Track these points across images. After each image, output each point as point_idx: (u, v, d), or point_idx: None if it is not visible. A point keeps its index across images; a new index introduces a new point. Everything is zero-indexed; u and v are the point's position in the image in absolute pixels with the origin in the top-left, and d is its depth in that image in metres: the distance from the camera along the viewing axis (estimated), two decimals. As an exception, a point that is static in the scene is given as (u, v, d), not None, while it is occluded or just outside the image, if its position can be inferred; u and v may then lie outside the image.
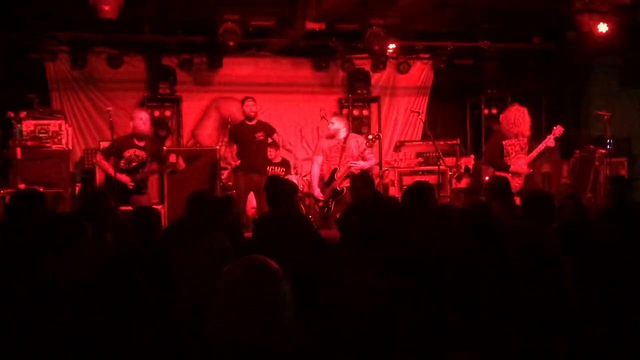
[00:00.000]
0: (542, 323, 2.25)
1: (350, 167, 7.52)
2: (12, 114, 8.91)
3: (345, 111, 11.34)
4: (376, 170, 10.38)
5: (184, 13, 9.79)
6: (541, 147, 7.36)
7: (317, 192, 7.75)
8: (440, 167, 8.97)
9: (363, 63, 11.79)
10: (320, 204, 7.74)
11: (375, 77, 12.01)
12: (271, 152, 9.59)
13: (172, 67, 10.79)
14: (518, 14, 9.98)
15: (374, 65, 11.81)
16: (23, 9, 8.98)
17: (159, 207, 8.98)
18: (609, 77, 11.26)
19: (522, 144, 7.44)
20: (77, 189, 9.02)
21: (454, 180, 10.29)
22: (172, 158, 7.75)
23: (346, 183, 7.41)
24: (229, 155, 8.98)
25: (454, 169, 10.45)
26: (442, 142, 10.48)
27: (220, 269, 2.46)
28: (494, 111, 11.67)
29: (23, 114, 8.87)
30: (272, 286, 1.88)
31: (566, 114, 11.87)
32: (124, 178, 7.31)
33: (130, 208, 6.78)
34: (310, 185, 8.43)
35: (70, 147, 9.13)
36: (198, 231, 3.78)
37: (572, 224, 4.74)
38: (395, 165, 10.61)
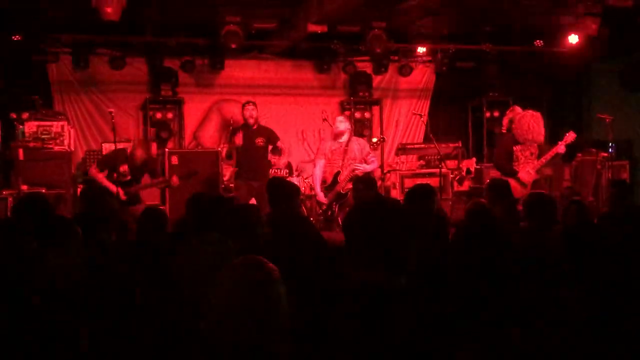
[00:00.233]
0: (544, 324, 2.25)
1: (354, 170, 7.51)
2: (14, 115, 8.93)
3: (347, 114, 11.34)
4: (378, 172, 10.38)
5: (186, 15, 9.80)
6: (551, 153, 7.32)
7: (321, 196, 7.72)
8: (442, 169, 8.98)
9: (365, 65, 11.80)
10: (324, 207, 7.72)
11: (377, 80, 12.01)
12: (274, 159, 9.51)
13: (174, 69, 10.80)
14: (520, 17, 10.01)
15: (375, 68, 11.82)
16: (26, 11, 8.99)
17: (161, 208, 9.00)
18: (611, 80, 11.25)
19: (532, 149, 7.40)
20: (78, 190, 9.02)
21: (455, 183, 10.28)
22: (174, 179, 7.80)
23: (349, 186, 7.39)
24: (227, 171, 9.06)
25: (456, 172, 10.44)
26: (443, 145, 10.47)
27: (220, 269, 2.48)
28: (496, 114, 11.68)
29: (25, 116, 8.89)
30: (268, 287, 1.88)
31: (568, 118, 11.87)
32: (119, 190, 7.38)
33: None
34: (312, 187, 8.43)
35: (72, 148, 9.14)
36: (197, 231, 3.80)
37: (574, 227, 4.75)
38: (397, 167, 10.60)
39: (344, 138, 7.77)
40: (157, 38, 10.35)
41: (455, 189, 10.17)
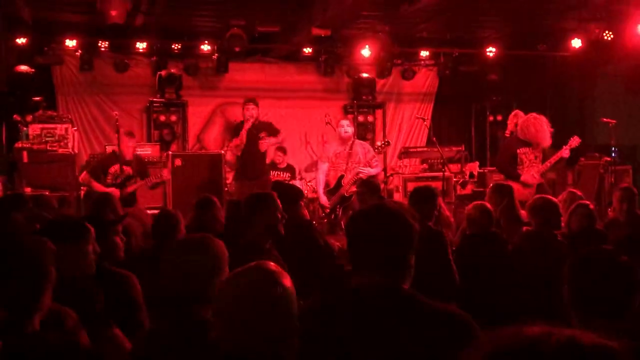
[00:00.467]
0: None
1: (358, 173, 7.51)
2: (18, 118, 8.95)
3: (350, 117, 11.36)
4: (381, 176, 10.38)
5: (190, 18, 9.83)
6: (556, 157, 7.27)
7: (324, 199, 7.73)
8: (445, 173, 8.97)
9: (368, 69, 11.81)
10: (327, 210, 7.72)
11: (380, 84, 12.03)
12: (278, 157, 9.54)
13: (178, 72, 10.83)
14: (524, 21, 10.02)
15: (379, 72, 11.84)
16: (30, 14, 9.02)
17: (163, 211, 9.01)
18: (614, 84, 11.25)
19: (536, 153, 7.34)
20: (82, 192, 9.04)
21: (458, 187, 10.26)
22: (156, 172, 7.78)
23: (354, 189, 7.39)
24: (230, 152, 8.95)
25: (459, 176, 10.43)
26: (447, 149, 10.47)
27: (216, 272, 2.50)
28: (499, 118, 11.69)
29: (29, 118, 8.91)
30: (278, 296, 1.85)
31: (571, 122, 11.86)
32: (113, 191, 7.38)
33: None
34: (315, 190, 8.43)
35: (76, 150, 9.15)
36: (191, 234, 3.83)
37: (580, 231, 4.76)
38: (400, 171, 10.60)
39: (350, 142, 7.79)
40: (162, 41, 10.38)
41: (458, 192, 10.15)
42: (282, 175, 9.83)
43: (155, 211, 8.58)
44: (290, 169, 10.14)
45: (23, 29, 9.39)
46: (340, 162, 7.75)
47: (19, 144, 8.66)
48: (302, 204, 5.19)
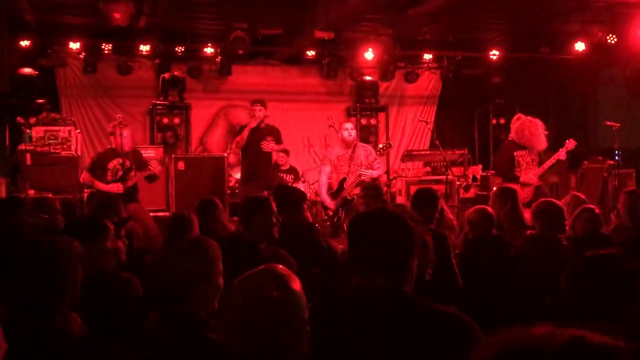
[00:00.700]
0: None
1: (360, 175, 7.51)
2: (22, 120, 8.96)
3: (352, 120, 11.36)
4: (384, 179, 10.37)
5: (193, 21, 9.84)
6: (552, 160, 7.33)
7: (327, 200, 7.72)
8: (448, 176, 8.96)
9: (371, 72, 11.81)
10: (330, 212, 7.71)
11: (383, 86, 12.03)
12: (281, 158, 9.53)
13: (181, 74, 10.84)
14: (527, 24, 10.02)
15: (382, 75, 11.84)
16: (34, 16, 9.04)
17: (166, 213, 9.01)
18: (618, 87, 11.23)
19: (533, 156, 7.40)
20: (85, 195, 9.04)
21: (461, 190, 10.25)
22: (153, 163, 7.72)
23: (356, 191, 7.38)
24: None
25: (462, 179, 10.42)
26: (450, 152, 10.46)
27: (209, 273, 2.51)
28: (502, 121, 11.68)
29: (33, 120, 8.92)
30: (285, 296, 1.84)
31: (574, 125, 11.84)
32: (115, 187, 7.37)
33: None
34: (317, 193, 8.42)
35: (80, 153, 9.15)
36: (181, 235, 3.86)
37: (585, 235, 4.74)
38: (403, 174, 10.59)
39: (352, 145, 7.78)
40: (165, 44, 10.40)
41: (461, 195, 10.14)
42: (285, 177, 9.83)
43: (157, 214, 8.65)
44: (293, 170, 10.13)
45: (27, 31, 9.42)
46: (342, 165, 7.74)
47: (22, 146, 8.67)
48: (305, 206, 5.18)
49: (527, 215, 5.44)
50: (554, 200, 5.11)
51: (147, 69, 11.00)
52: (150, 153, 9.73)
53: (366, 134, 11.47)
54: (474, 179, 10.51)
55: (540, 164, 7.40)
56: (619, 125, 9.20)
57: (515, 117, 7.79)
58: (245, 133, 8.14)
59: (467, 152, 11.11)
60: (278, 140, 8.45)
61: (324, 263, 4.27)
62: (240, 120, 10.53)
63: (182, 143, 11.08)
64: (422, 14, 8.74)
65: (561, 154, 7.34)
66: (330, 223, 7.68)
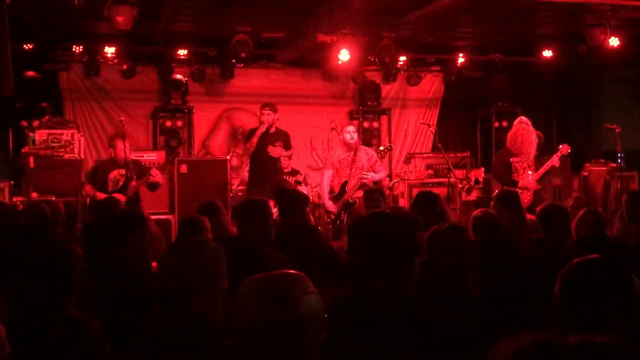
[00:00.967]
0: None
1: (362, 178, 7.51)
2: (25, 123, 8.99)
3: (355, 123, 11.37)
4: (386, 182, 10.38)
5: (196, 24, 9.86)
6: (547, 166, 7.39)
7: (329, 204, 7.73)
8: (450, 179, 8.97)
9: (374, 75, 11.83)
10: (332, 216, 7.72)
11: (385, 89, 12.03)
12: (284, 161, 9.52)
13: (184, 77, 10.86)
14: (529, 27, 10.02)
15: (384, 78, 11.85)
16: (37, 20, 9.07)
17: (169, 217, 9.03)
18: (621, 90, 11.23)
19: (529, 162, 7.45)
20: (88, 198, 9.07)
21: (463, 193, 10.26)
22: (153, 171, 7.72)
23: (358, 194, 7.39)
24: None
25: (464, 182, 10.43)
26: (452, 155, 10.48)
27: (211, 275, 2.53)
28: (505, 124, 11.67)
29: (36, 123, 8.95)
30: (297, 303, 1.80)
31: (577, 128, 11.86)
32: (118, 198, 7.38)
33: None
34: (320, 196, 8.42)
35: (83, 156, 9.18)
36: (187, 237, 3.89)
37: (588, 238, 4.73)
38: (405, 177, 10.60)
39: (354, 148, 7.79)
40: (168, 47, 10.42)
41: (464, 198, 10.16)
42: (288, 179, 9.83)
43: (160, 217, 8.67)
44: (295, 173, 10.14)
45: (30, 35, 9.44)
46: (344, 168, 7.74)
47: (25, 150, 8.70)
48: (308, 209, 5.19)
49: (528, 218, 5.44)
50: (559, 204, 5.12)
51: (150, 73, 11.02)
52: (153, 156, 9.75)
53: (368, 137, 11.48)
54: (476, 181, 10.53)
55: (537, 169, 7.44)
56: (621, 127, 9.20)
57: (518, 119, 7.81)
58: (255, 140, 7.97)
59: (469, 155, 11.12)
60: (287, 145, 8.27)
61: (326, 266, 4.28)
62: (243, 123, 10.54)
63: (185, 146, 11.09)
64: (424, 17, 8.74)
65: (554, 160, 7.39)
66: (332, 226, 7.68)
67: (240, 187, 9.85)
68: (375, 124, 11.88)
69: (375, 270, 2.16)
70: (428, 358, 2.02)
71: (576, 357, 1.03)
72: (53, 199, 7.75)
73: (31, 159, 8.52)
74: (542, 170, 7.39)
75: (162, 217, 8.80)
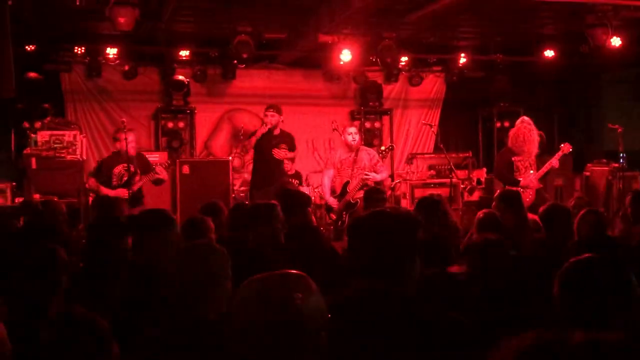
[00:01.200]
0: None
1: (363, 178, 7.51)
2: (27, 124, 9.01)
3: (356, 123, 11.37)
4: (388, 182, 10.38)
5: (197, 25, 9.87)
6: (547, 167, 7.40)
7: (332, 200, 7.71)
8: (452, 179, 8.96)
9: (375, 75, 11.83)
10: (334, 216, 7.72)
11: (387, 90, 12.03)
12: (286, 164, 9.52)
13: (185, 78, 10.87)
14: (530, 27, 10.01)
15: (386, 78, 11.85)
16: (39, 21, 9.08)
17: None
18: (622, 90, 11.22)
19: (530, 161, 7.45)
20: (90, 199, 9.07)
21: (465, 193, 10.26)
22: (158, 169, 7.71)
23: (359, 195, 7.38)
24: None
25: (466, 182, 10.42)
26: (454, 155, 10.47)
27: (217, 277, 2.53)
28: (506, 124, 11.66)
29: (38, 125, 8.96)
30: (293, 301, 1.81)
31: (578, 128, 11.85)
32: (121, 193, 7.38)
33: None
34: (322, 197, 8.42)
35: (85, 157, 9.19)
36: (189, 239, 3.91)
37: (589, 238, 4.72)
38: (407, 177, 10.60)
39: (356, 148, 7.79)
40: (169, 48, 10.43)
41: (466, 199, 10.16)
42: (291, 181, 9.84)
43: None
44: (298, 176, 10.14)
45: (32, 36, 9.45)
46: (345, 168, 7.74)
47: (27, 151, 8.71)
48: (310, 210, 5.20)
49: (530, 218, 5.44)
50: (562, 204, 5.11)
51: (152, 73, 11.03)
52: (155, 157, 9.75)
53: (370, 137, 11.49)
54: (478, 182, 10.53)
55: (538, 168, 7.44)
56: (623, 127, 9.19)
57: (519, 119, 7.81)
58: (253, 140, 7.95)
59: (471, 155, 11.12)
60: (291, 147, 8.21)
61: (327, 266, 4.28)
62: (245, 124, 10.55)
63: (187, 147, 11.10)
64: (425, 17, 8.74)
65: (554, 161, 7.40)
66: (334, 227, 7.68)
67: (242, 188, 9.86)
68: (376, 125, 11.88)
69: (376, 270, 2.15)
70: (429, 358, 2.02)
71: (581, 355, 1.03)
72: (55, 199, 7.76)
73: (33, 160, 8.53)
74: (544, 169, 7.39)
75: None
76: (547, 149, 8.21)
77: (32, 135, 8.81)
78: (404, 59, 11.09)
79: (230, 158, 9.77)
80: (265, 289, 1.83)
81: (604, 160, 10.32)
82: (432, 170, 10.80)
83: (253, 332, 1.79)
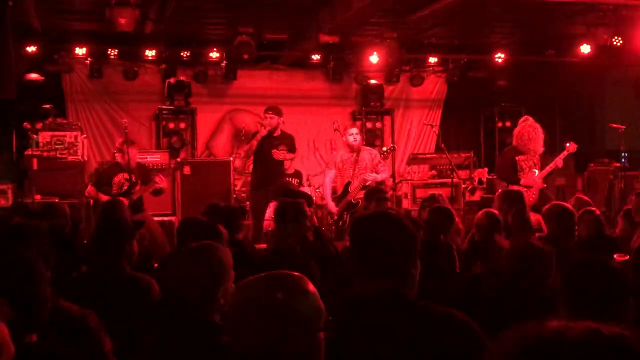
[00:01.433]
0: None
1: (365, 179, 7.50)
2: (28, 125, 9.01)
3: (358, 124, 11.37)
4: (389, 182, 10.37)
5: (199, 26, 9.87)
6: (551, 166, 7.37)
7: (332, 205, 7.71)
8: (454, 179, 8.95)
9: (376, 76, 11.82)
10: (334, 216, 7.71)
11: (388, 90, 12.03)
12: (286, 163, 9.51)
13: (187, 79, 10.87)
14: (532, 27, 10.00)
15: (387, 78, 11.84)
16: (40, 22, 9.08)
17: (171, 218, 9.04)
18: (624, 89, 11.20)
19: (534, 160, 7.41)
20: (91, 200, 9.07)
21: (467, 193, 10.25)
22: (158, 178, 7.70)
23: (360, 195, 7.37)
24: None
25: (468, 182, 10.41)
26: (455, 155, 10.45)
27: (219, 278, 2.53)
28: (508, 124, 11.67)
29: (39, 125, 8.96)
30: (293, 300, 1.81)
31: (580, 127, 11.82)
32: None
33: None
34: (323, 197, 8.41)
35: (86, 158, 9.19)
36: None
37: (589, 238, 4.72)
38: (409, 177, 10.59)
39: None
40: (171, 49, 10.43)
41: (467, 199, 10.14)
42: (290, 180, 9.83)
43: (163, 218, 8.68)
44: (297, 175, 10.14)
45: (33, 37, 9.46)
46: (347, 168, 7.73)
47: (29, 152, 8.71)
48: (311, 210, 5.19)
49: (533, 218, 5.43)
50: (565, 204, 5.09)
51: (153, 74, 11.04)
52: (156, 158, 9.76)
53: (371, 138, 11.48)
54: (480, 182, 10.51)
55: (542, 167, 7.41)
56: (625, 127, 9.18)
57: (522, 119, 7.80)
58: (254, 142, 7.93)
59: (472, 155, 11.10)
60: (291, 149, 8.19)
61: (329, 267, 4.28)
62: (247, 124, 10.56)
63: (188, 147, 11.11)
64: (426, 17, 8.73)
65: (559, 161, 7.37)
66: (335, 227, 7.68)
67: (243, 189, 9.86)
68: (378, 125, 11.88)
69: (376, 270, 2.15)
70: (428, 358, 2.01)
71: (583, 346, 1.02)
72: (57, 200, 7.76)
73: (35, 161, 8.52)
74: (548, 168, 7.36)
75: (165, 218, 8.81)
76: (548, 149, 8.19)
77: (34, 136, 8.81)
78: (405, 59, 11.09)
79: (231, 159, 9.76)
80: (264, 288, 1.83)
81: (606, 160, 10.31)
82: (433, 171, 10.79)
83: (252, 332, 1.79)
